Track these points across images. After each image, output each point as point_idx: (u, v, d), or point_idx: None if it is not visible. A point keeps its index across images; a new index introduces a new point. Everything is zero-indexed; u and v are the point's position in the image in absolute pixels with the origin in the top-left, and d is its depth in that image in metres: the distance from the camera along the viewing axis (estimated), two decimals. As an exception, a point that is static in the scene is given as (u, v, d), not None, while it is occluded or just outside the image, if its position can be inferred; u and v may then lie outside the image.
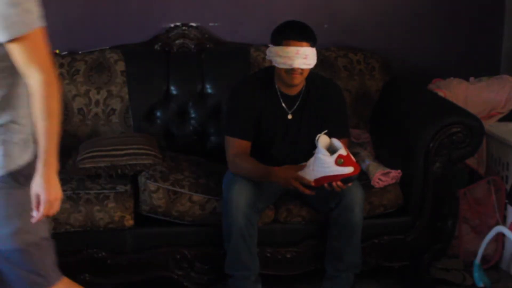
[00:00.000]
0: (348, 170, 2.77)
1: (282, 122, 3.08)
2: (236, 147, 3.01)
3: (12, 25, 1.88)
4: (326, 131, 2.83)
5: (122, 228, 3.03)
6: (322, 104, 3.05)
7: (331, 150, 2.80)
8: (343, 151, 2.76)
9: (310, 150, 3.11)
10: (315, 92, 3.06)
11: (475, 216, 3.54)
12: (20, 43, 1.90)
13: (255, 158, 3.00)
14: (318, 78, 3.12)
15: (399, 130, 3.35)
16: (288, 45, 2.90)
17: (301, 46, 2.89)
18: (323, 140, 2.81)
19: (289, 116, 3.07)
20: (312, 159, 2.82)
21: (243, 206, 2.88)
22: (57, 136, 1.99)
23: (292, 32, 2.93)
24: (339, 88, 3.18)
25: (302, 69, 2.93)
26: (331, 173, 2.78)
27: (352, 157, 2.79)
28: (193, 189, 3.07)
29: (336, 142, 2.80)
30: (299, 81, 2.98)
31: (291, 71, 2.93)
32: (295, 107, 3.07)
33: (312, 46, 2.92)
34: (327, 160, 2.76)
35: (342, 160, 2.75)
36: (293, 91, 3.05)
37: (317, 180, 2.81)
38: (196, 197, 3.06)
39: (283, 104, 3.07)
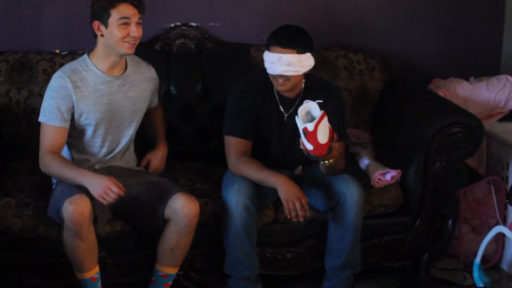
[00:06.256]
0: (309, 146, 2.71)
1: (279, 124, 3.07)
2: (238, 147, 3.00)
3: None
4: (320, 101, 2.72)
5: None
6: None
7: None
8: (310, 126, 2.67)
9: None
10: (313, 95, 3.01)
11: (475, 216, 3.54)
12: None
13: (254, 158, 3.00)
14: (318, 81, 3.11)
15: (399, 130, 3.35)
16: (272, 51, 2.91)
17: (284, 53, 2.88)
18: (309, 106, 2.72)
19: (285, 119, 3.07)
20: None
21: (242, 206, 2.88)
22: None
23: (276, 38, 2.93)
24: (338, 91, 3.15)
25: (288, 76, 2.92)
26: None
27: (319, 137, 2.67)
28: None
29: (316, 111, 2.70)
30: (287, 88, 2.97)
31: (275, 77, 2.94)
32: (292, 109, 3.06)
33: (300, 53, 2.89)
34: (298, 124, 2.71)
35: (306, 133, 2.69)
36: (291, 94, 3.05)
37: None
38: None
39: (280, 106, 3.06)
